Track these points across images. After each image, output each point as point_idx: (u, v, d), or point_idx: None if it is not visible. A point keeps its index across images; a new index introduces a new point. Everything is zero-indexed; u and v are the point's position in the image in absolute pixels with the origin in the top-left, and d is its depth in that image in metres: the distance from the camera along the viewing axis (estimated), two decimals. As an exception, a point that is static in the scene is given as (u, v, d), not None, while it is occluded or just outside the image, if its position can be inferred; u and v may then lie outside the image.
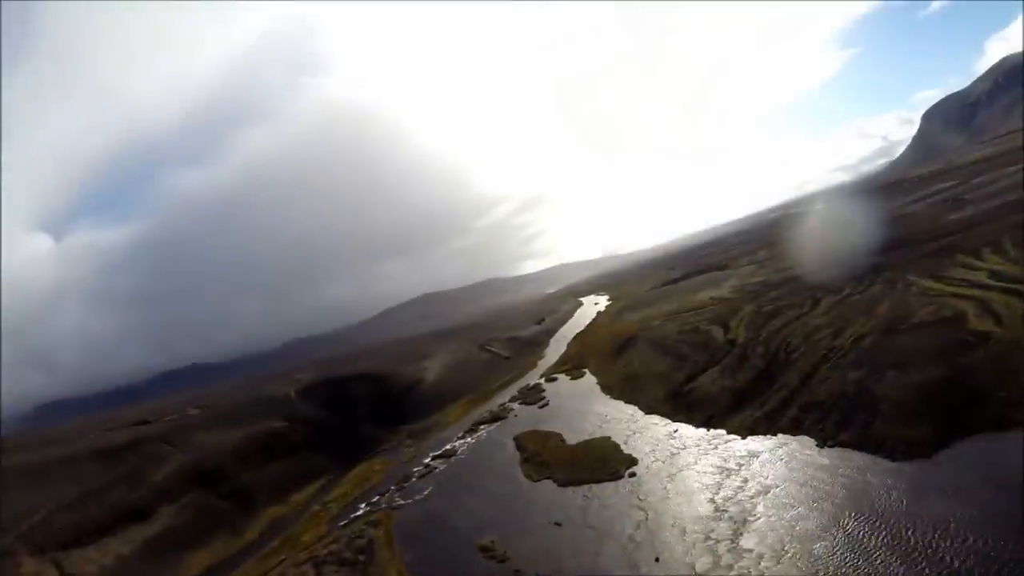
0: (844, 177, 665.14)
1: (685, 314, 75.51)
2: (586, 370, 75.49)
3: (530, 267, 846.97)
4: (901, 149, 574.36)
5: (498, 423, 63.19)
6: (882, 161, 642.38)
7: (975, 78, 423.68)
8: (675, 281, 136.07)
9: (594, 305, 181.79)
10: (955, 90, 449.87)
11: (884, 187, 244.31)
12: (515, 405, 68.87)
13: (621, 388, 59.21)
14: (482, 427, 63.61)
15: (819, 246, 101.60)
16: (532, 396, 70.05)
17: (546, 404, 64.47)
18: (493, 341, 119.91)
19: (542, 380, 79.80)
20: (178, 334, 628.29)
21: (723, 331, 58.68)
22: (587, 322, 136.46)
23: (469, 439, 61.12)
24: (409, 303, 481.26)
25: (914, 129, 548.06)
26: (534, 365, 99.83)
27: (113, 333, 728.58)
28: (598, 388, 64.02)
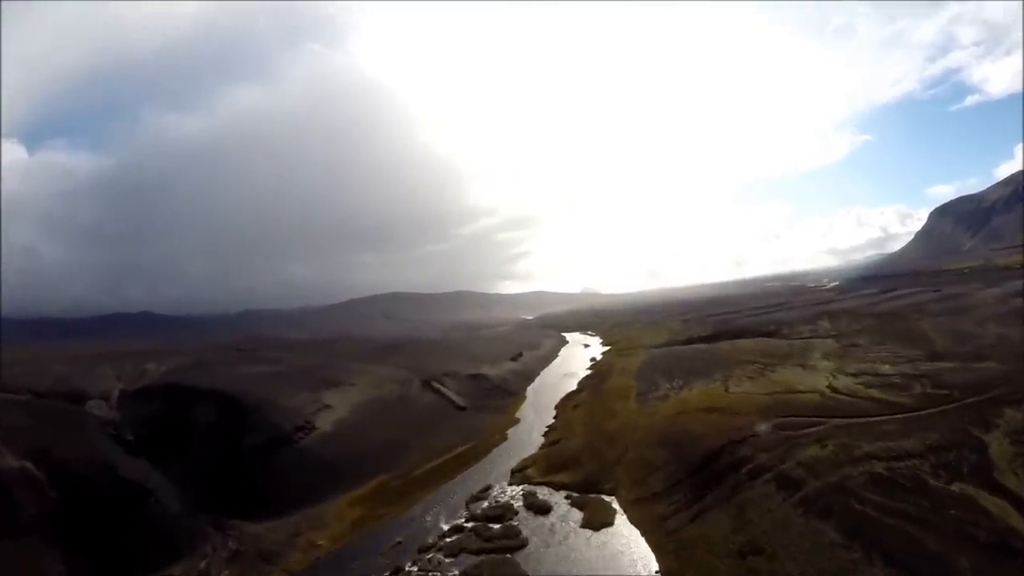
0: (834, 260, 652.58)
1: (816, 422, 38.34)
2: (615, 503, 36.76)
3: (508, 287, 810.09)
4: (896, 244, 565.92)
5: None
6: (872, 252, 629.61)
7: (996, 181, 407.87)
8: (706, 339, 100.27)
9: (584, 347, 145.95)
10: (972, 191, 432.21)
11: (921, 275, 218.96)
12: (453, 569, 30.37)
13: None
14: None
15: (960, 334, 68.48)
16: (493, 555, 31.55)
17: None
18: (447, 377, 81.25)
19: (517, 491, 41.73)
20: (127, 278, 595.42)
21: (1009, 506, 22.29)
22: (581, 371, 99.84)
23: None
24: (377, 298, 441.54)
25: (915, 225, 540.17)
26: (502, 434, 62.32)
27: (62, 263, 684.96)
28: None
